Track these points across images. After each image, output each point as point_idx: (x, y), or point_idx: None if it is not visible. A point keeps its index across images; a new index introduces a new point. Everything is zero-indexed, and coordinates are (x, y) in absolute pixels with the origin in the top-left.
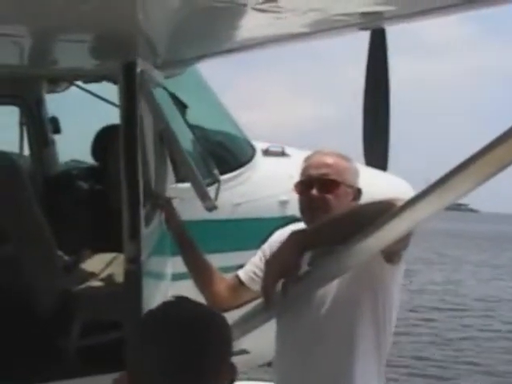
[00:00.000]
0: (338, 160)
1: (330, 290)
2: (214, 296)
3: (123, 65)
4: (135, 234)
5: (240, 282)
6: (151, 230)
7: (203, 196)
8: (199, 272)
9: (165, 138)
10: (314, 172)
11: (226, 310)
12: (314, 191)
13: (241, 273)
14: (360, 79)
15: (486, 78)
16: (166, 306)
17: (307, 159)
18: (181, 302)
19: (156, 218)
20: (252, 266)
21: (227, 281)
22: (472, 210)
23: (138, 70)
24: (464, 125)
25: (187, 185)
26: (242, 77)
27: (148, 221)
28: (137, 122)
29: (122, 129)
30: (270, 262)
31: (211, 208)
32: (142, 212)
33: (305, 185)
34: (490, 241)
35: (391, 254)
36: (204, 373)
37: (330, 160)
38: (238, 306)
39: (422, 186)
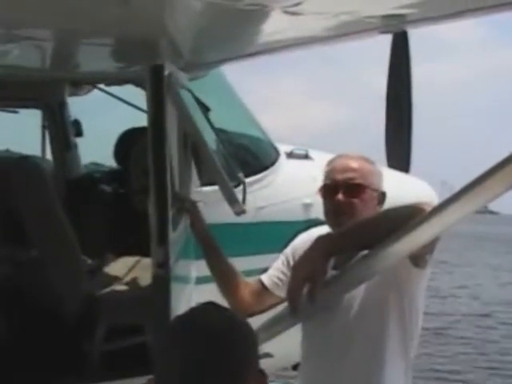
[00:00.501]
0: (363, 163)
1: (358, 294)
2: (238, 301)
3: (150, 68)
4: (164, 239)
5: (263, 287)
6: (178, 234)
7: (232, 200)
8: (223, 277)
9: (192, 140)
10: (339, 176)
11: (250, 315)
12: (340, 196)
13: (264, 277)
14: (374, 83)
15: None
16: (194, 313)
17: (331, 162)
18: (208, 308)
19: (182, 222)
20: (275, 270)
21: (251, 286)
22: (492, 212)
23: (166, 72)
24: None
25: (211, 188)
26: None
27: (175, 225)
28: (165, 126)
29: (150, 132)
30: (297, 267)
31: (240, 212)
32: (170, 216)
33: (330, 189)
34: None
35: (418, 258)
36: (230, 380)
37: (355, 164)
38: (261, 311)
39: (439, 188)
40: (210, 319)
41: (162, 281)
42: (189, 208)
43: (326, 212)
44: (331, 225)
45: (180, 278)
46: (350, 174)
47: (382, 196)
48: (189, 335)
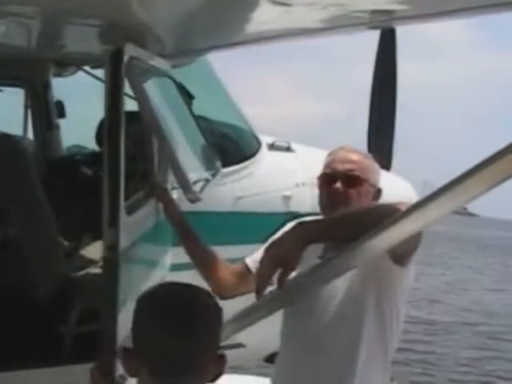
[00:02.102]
0: (363, 158)
1: (339, 289)
2: (219, 281)
3: (111, 51)
4: (114, 222)
5: (247, 269)
6: (137, 218)
7: (186, 187)
8: (202, 260)
9: (150, 126)
10: (339, 166)
11: (232, 296)
12: (338, 185)
13: (248, 260)
14: (363, 78)
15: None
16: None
17: (332, 153)
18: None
19: (149, 207)
20: (260, 254)
21: (233, 268)
22: (471, 214)
23: (126, 56)
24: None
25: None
26: (244, 70)
27: (132, 209)
28: (121, 110)
29: (106, 116)
30: (269, 249)
31: (194, 200)
32: (123, 200)
33: (329, 178)
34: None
35: (400, 256)
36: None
37: (355, 157)
38: (243, 293)
39: (420, 187)
40: (179, 289)
41: (111, 263)
42: (159, 194)
43: (322, 201)
44: (325, 214)
45: (139, 261)
46: (350, 166)
47: (378, 193)
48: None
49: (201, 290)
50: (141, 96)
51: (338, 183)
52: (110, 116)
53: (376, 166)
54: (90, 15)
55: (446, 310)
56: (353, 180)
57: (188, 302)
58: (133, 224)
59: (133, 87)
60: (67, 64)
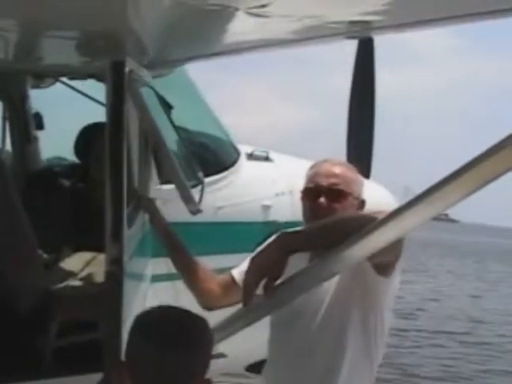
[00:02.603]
0: (346, 171)
1: (325, 298)
2: (205, 294)
3: (112, 63)
4: (118, 236)
5: (233, 281)
6: (133, 232)
7: (187, 199)
8: (188, 271)
9: (151, 138)
10: (323, 180)
11: (218, 308)
12: (322, 200)
13: (234, 272)
14: (344, 87)
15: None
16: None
17: (315, 167)
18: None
19: (138, 219)
20: (246, 266)
21: (219, 279)
22: (452, 220)
23: (127, 69)
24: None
25: (171, 186)
26: (225, 78)
27: (130, 222)
28: (123, 122)
29: (108, 128)
30: (254, 260)
31: (195, 211)
32: (125, 213)
33: (312, 192)
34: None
35: (382, 267)
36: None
37: (339, 170)
38: (229, 305)
39: (401, 193)
40: (175, 312)
41: (116, 278)
42: (146, 205)
43: (306, 215)
44: None
45: (134, 275)
46: (333, 180)
47: (362, 204)
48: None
49: (194, 314)
50: (142, 109)
51: (322, 198)
52: (112, 128)
53: (359, 177)
54: (70, 27)
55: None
56: (337, 194)
57: (179, 321)
58: (132, 237)
59: (134, 100)
60: (45, 76)
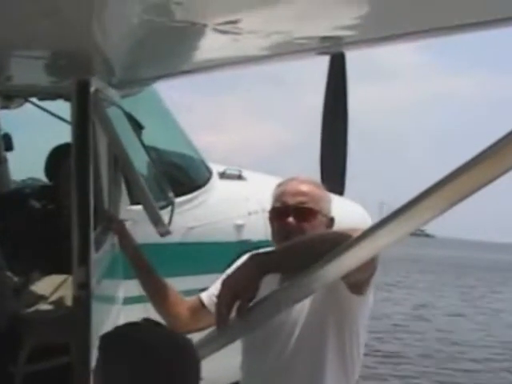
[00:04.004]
0: (313, 188)
1: (300, 317)
2: (174, 318)
3: (77, 82)
4: (85, 260)
5: (202, 305)
6: (102, 254)
7: (156, 220)
8: (157, 293)
9: (118, 159)
10: (290, 200)
11: (187, 332)
12: (291, 219)
13: (203, 295)
14: (319, 105)
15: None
16: (131, 329)
17: (282, 185)
18: (147, 325)
19: (108, 241)
20: (215, 289)
21: (188, 303)
22: (428, 235)
23: (92, 88)
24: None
25: (140, 207)
26: (200, 98)
27: (99, 245)
28: (89, 142)
29: (74, 148)
30: (225, 282)
31: (164, 233)
32: (93, 236)
33: (280, 212)
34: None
35: (356, 286)
36: None
37: (306, 188)
38: (198, 329)
39: (376, 209)
40: (148, 334)
41: (83, 302)
42: (116, 227)
43: (275, 235)
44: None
45: (104, 298)
46: (301, 198)
47: (331, 221)
48: (125, 350)
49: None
50: (108, 129)
51: (290, 217)
52: (78, 149)
53: (327, 194)
54: (38, 47)
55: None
56: (305, 213)
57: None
58: (100, 260)
59: (100, 120)
60: (15, 96)
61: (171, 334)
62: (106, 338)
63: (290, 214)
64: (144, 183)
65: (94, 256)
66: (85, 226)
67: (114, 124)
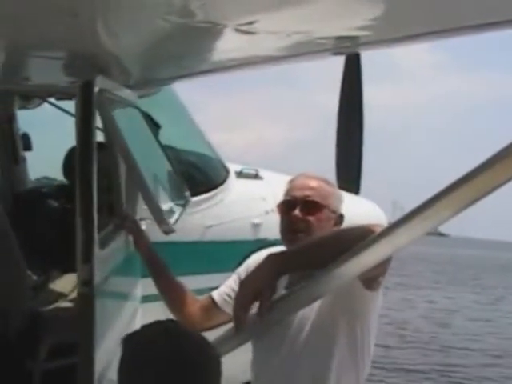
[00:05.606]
0: (322, 184)
1: (310, 315)
2: (186, 317)
3: (82, 83)
4: (88, 257)
5: (214, 304)
6: (109, 252)
7: (160, 219)
8: (169, 293)
9: (122, 159)
10: (297, 193)
11: (199, 331)
12: (297, 212)
13: (215, 294)
14: (332, 105)
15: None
16: (156, 328)
17: (292, 181)
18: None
19: (119, 240)
20: (227, 288)
21: (200, 302)
22: (442, 234)
23: (97, 88)
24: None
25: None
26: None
27: (105, 243)
28: (92, 141)
29: (77, 148)
30: (244, 284)
31: (168, 231)
32: (97, 234)
33: (288, 205)
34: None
35: (370, 281)
36: None
37: (314, 183)
38: (210, 328)
39: (390, 208)
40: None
41: (87, 299)
42: (129, 225)
43: (282, 229)
44: (286, 242)
45: (113, 295)
46: (308, 192)
47: (340, 218)
48: (151, 358)
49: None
50: (112, 128)
51: (296, 210)
52: (82, 148)
53: (338, 192)
54: (55, 48)
55: None
56: (311, 206)
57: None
58: (106, 258)
59: (103, 119)
60: (33, 96)
61: (194, 333)
62: (131, 338)
63: (296, 206)
64: (147, 182)
65: (101, 253)
66: (88, 223)
67: (116, 123)
